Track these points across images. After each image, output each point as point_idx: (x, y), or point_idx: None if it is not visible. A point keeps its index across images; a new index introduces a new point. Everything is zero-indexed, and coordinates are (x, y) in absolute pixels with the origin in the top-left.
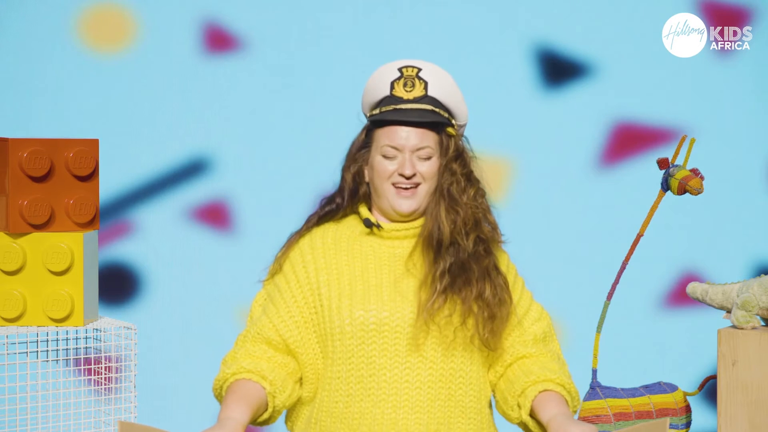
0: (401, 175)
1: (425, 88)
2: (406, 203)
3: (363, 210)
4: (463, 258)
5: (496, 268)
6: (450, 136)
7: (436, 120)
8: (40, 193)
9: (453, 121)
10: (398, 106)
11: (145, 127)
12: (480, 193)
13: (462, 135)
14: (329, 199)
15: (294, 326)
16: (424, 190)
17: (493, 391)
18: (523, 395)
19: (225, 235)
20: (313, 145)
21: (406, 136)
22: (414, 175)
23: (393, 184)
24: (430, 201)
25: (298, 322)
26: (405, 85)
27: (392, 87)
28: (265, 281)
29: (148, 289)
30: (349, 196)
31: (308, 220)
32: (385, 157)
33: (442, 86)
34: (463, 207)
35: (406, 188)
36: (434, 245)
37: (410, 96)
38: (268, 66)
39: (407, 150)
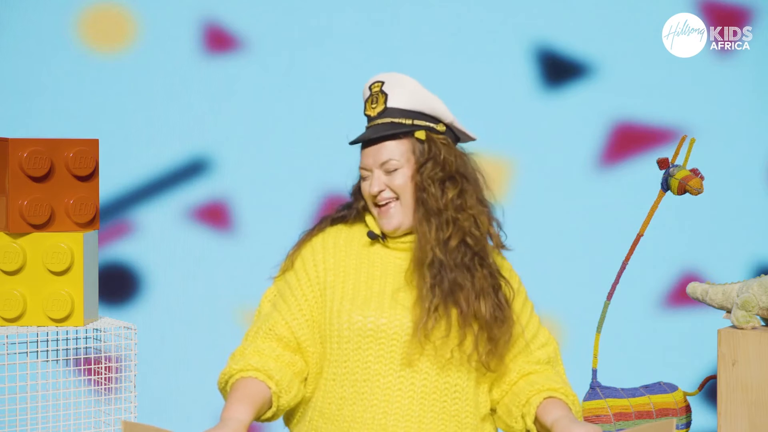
0: (371, 194)
1: (385, 101)
2: (385, 222)
3: (369, 220)
4: (450, 276)
5: (496, 285)
6: (422, 141)
7: (389, 132)
8: (40, 193)
9: (422, 123)
10: (367, 125)
11: (145, 127)
12: (465, 192)
13: (458, 129)
14: (345, 206)
15: (305, 324)
16: (402, 203)
17: (495, 407)
18: (528, 404)
19: (225, 235)
20: (313, 145)
21: (371, 154)
22: (382, 191)
23: (374, 205)
24: (415, 215)
25: (309, 320)
26: (372, 102)
27: (365, 107)
28: (276, 278)
29: (148, 289)
30: (355, 207)
31: (321, 221)
32: (363, 179)
33: (402, 93)
34: (436, 214)
35: (383, 205)
36: (418, 261)
37: (374, 113)
38: (268, 66)
39: (374, 168)
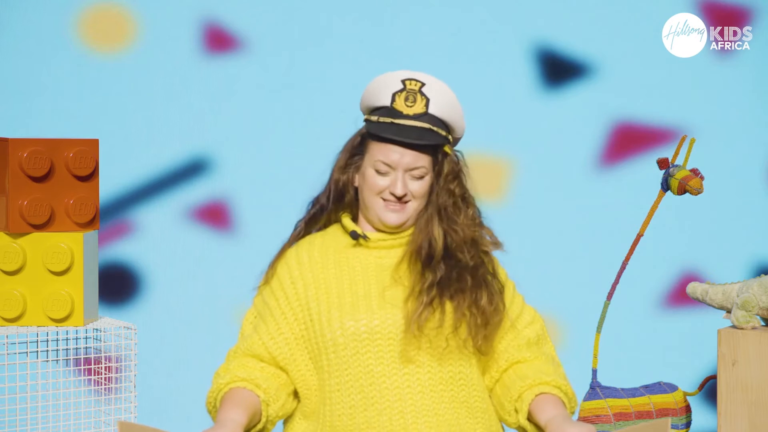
0: (392, 193)
1: (426, 105)
2: (394, 216)
3: (347, 221)
4: (457, 271)
5: (492, 275)
6: (446, 154)
7: (434, 142)
8: (40, 193)
9: (449, 136)
10: (396, 121)
11: (145, 127)
12: (476, 213)
13: (455, 156)
14: (314, 201)
15: (283, 343)
16: (413, 207)
17: (489, 395)
18: (520, 399)
19: (225, 235)
20: (313, 145)
21: (401, 154)
22: (405, 194)
23: (382, 198)
24: (420, 216)
25: (287, 339)
26: (406, 99)
27: (393, 99)
28: (255, 297)
29: (148, 289)
30: (334, 200)
31: (295, 227)
32: (377, 171)
33: (443, 104)
34: (461, 227)
35: (398, 203)
36: (423, 259)
37: (410, 112)
38: (268, 66)
39: (400, 168)
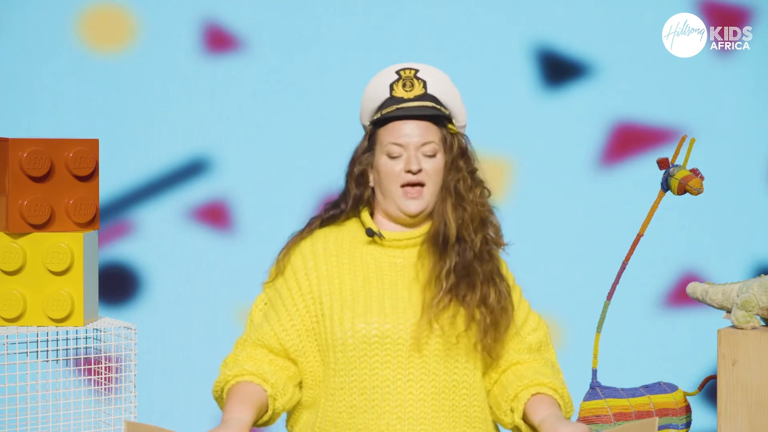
0: (408, 171)
1: (424, 86)
2: (414, 204)
3: (365, 217)
4: (469, 258)
5: (500, 274)
6: (453, 133)
7: (438, 114)
8: (40, 193)
9: (453, 121)
10: (400, 105)
11: (145, 127)
12: (485, 193)
13: (463, 136)
14: (334, 204)
15: (295, 334)
16: (430, 191)
17: (486, 396)
18: (516, 399)
19: (225, 235)
20: (313, 144)
21: (410, 132)
22: (420, 170)
23: (401, 186)
24: (436, 201)
25: (299, 330)
26: (404, 85)
27: (392, 89)
28: (265, 284)
29: (148, 289)
30: (353, 202)
31: (310, 222)
32: (390, 156)
33: (440, 85)
34: (470, 204)
35: (413, 186)
36: (440, 243)
37: (410, 95)
38: (268, 66)
39: (412, 147)
